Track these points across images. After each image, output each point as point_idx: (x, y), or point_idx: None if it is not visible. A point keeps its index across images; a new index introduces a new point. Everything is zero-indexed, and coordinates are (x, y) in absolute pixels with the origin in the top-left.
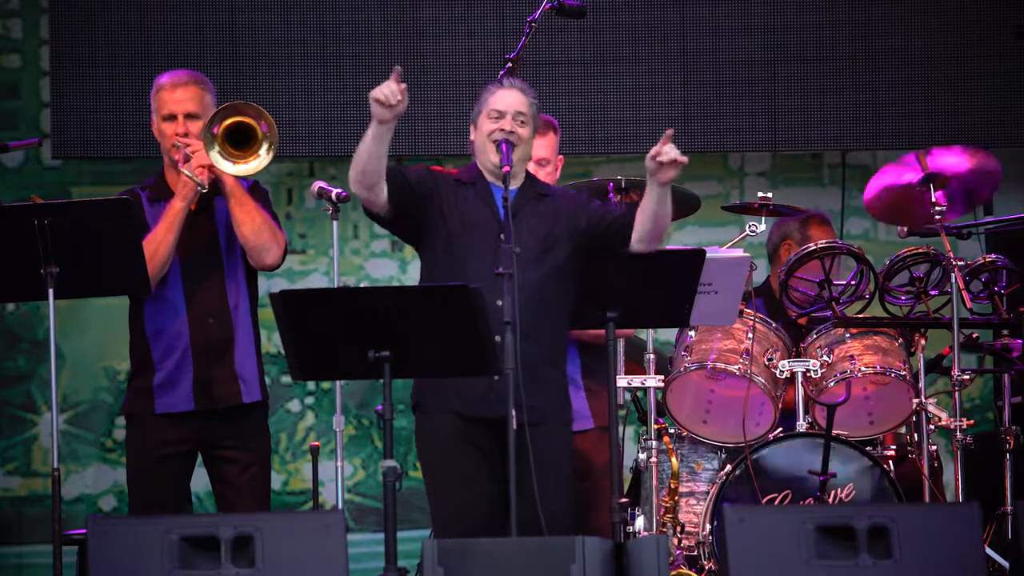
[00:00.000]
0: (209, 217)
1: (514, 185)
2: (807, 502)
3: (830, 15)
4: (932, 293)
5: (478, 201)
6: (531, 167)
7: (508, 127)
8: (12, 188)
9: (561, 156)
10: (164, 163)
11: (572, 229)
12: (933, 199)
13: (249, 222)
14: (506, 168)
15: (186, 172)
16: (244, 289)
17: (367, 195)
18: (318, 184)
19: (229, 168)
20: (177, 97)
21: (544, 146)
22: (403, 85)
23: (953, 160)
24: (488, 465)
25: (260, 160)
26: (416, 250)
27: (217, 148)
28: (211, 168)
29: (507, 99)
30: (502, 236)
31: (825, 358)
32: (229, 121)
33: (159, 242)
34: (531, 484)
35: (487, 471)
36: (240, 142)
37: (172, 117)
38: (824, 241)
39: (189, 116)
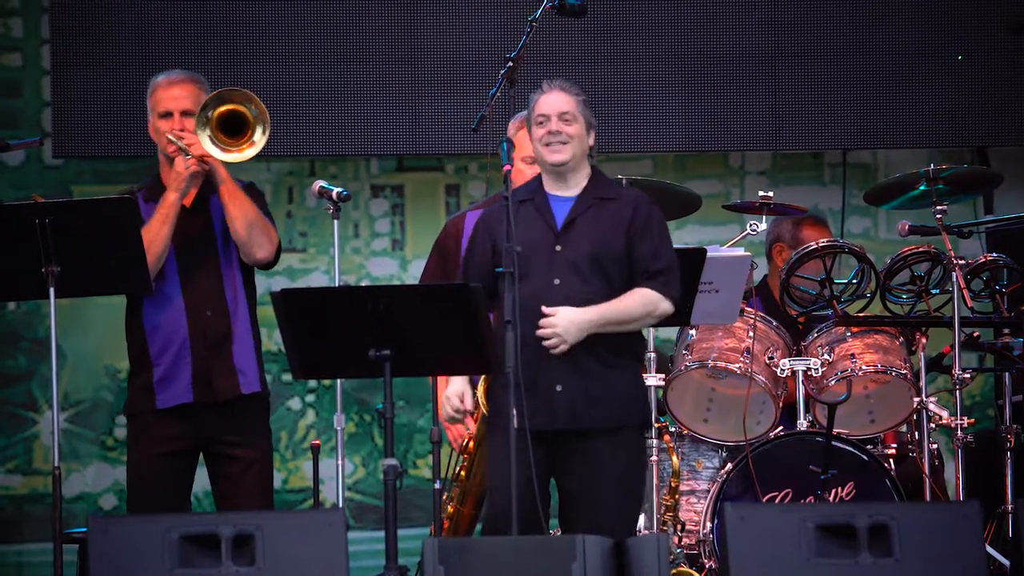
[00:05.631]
0: (205, 213)
1: (575, 189)
2: (808, 500)
3: (830, 12)
4: (933, 292)
5: (533, 216)
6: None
7: (554, 128)
8: (13, 187)
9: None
10: (160, 162)
11: (626, 244)
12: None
13: (241, 216)
14: (507, 167)
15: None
16: (241, 284)
17: None
18: (319, 183)
19: (222, 156)
20: (173, 94)
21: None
22: None
23: None
24: (538, 471)
25: (256, 147)
26: None
27: (209, 133)
28: (205, 159)
29: (550, 102)
30: (558, 248)
31: (826, 356)
32: (221, 109)
33: (154, 234)
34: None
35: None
36: (234, 131)
37: (168, 114)
38: (825, 240)
39: (185, 113)
